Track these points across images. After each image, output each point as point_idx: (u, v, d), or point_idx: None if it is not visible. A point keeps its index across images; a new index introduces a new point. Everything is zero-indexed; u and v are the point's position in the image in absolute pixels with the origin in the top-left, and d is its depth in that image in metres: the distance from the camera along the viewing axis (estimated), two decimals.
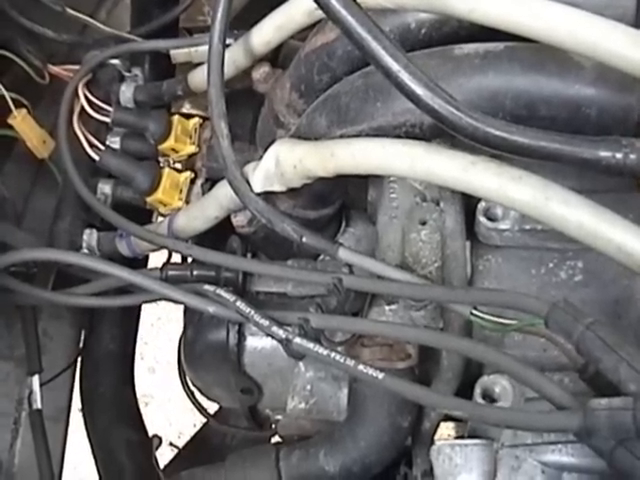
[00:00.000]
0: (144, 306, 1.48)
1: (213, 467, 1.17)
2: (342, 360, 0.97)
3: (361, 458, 1.09)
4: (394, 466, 1.24)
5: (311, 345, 0.99)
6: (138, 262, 1.31)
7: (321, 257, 1.18)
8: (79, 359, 1.46)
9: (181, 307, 1.27)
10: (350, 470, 1.09)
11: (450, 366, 1.09)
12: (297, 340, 0.99)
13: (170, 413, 1.66)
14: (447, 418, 1.15)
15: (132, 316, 1.46)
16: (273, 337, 1.02)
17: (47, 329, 1.45)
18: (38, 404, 1.30)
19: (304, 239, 1.04)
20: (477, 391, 1.05)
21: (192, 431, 1.65)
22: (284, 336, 1.00)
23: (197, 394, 1.41)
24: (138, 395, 1.48)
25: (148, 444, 1.36)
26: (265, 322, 1.03)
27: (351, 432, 1.09)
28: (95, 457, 1.36)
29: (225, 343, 1.23)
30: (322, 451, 1.10)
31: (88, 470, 1.39)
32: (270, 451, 1.13)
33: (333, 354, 0.98)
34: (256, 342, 1.23)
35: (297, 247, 1.14)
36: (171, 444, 2.06)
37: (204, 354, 1.25)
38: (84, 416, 1.40)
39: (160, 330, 2.27)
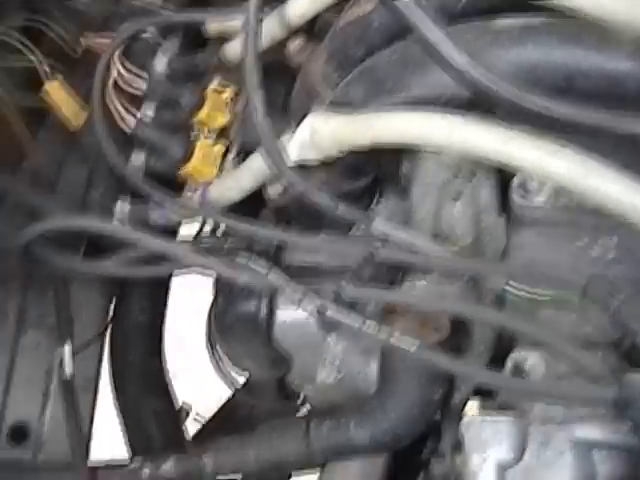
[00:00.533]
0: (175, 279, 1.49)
1: (242, 437, 1.17)
2: (375, 332, 0.97)
3: (391, 430, 1.08)
4: (422, 441, 1.24)
5: (344, 315, 0.99)
6: (168, 235, 1.31)
7: (353, 231, 1.17)
8: (108, 329, 1.46)
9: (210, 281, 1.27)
10: (380, 441, 1.09)
11: (482, 340, 1.09)
12: (330, 311, 0.99)
13: (196, 387, 1.65)
14: (477, 393, 1.15)
15: (161, 288, 1.46)
16: (306, 308, 1.02)
17: (77, 298, 1.46)
18: (69, 373, 1.31)
19: (339, 210, 1.04)
20: (509, 365, 1.05)
21: (218, 405, 1.65)
22: (317, 307, 1.00)
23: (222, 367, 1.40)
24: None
25: (176, 415, 1.37)
26: (298, 293, 1.03)
27: (381, 404, 1.09)
28: (124, 427, 1.36)
29: (256, 315, 1.22)
30: (352, 422, 1.09)
31: (116, 440, 1.40)
32: (300, 422, 1.13)
33: (366, 325, 0.97)
34: (287, 314, 1.23)
35: (330, 220, 1.14)
36: (196, 418, 2.06)
37: (234, 325, 1.25)
38: (113, 386, 1.40)
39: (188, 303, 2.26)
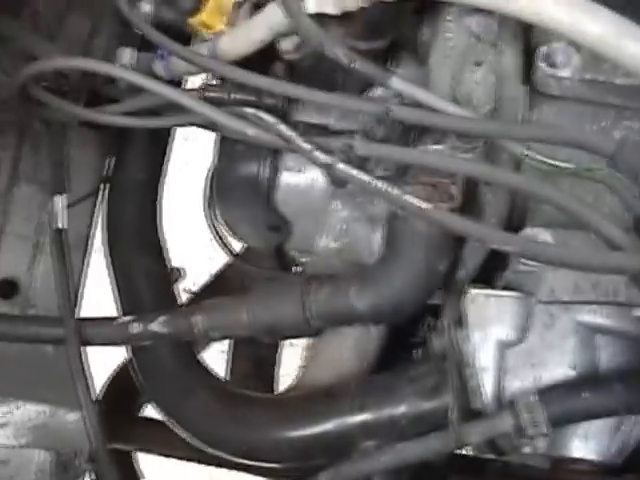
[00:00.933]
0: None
1: (237, 298, 1.13)
2: (387, 188, 0.92)
3: (393, 298, 1.04)
4: (417, 323, 1.20)
5: (355, 171, 0.94)
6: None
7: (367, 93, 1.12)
8: (106, 188, 1.41)
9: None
10: (381, 310, 1.05)
11: (495, 212, 1.05)
12: (340, 165, 0.94)
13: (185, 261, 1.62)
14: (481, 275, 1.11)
15: (160, 145, 1.41)
16: (315, 162, 0.97)
17: (73, 156, 1.40)
18: (61, 224, 1.26)
19: (356, 64, 0.98)
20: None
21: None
22: (327, 161, 0.95)
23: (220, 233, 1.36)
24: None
25: (168, 276, 1.32)
26: (307, 146, 0.98)
27: (385, 271, 1.04)
28: (115, 287, 1.32)
29: (258, 176, 1.18)
30: (353, 288, 1.05)
31: (105, 299, 1.36)
32: (297, 285, 1.08)
33: (377, 181, 0.93)
34: (290, 177, 1.18)
35: (343, 81, 1.09)
36: (185, 290, 2.03)
37: (235, 186, 1.20)
38: (107, 245, 1.36)
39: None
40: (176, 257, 1.41)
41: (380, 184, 0.92)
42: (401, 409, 1.08)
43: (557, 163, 0.91)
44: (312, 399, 1.13)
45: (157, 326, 1.14)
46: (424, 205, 0.89)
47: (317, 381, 1.18)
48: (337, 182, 0.97)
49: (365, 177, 0.93)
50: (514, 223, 1.09)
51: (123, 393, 1.47)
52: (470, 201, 1.05)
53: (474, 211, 1.05)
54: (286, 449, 1.12)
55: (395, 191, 0.91)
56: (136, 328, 1.15)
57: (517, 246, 0.84)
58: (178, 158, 1.69)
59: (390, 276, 1.04)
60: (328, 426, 1.10)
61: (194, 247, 2.23)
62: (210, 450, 1.16)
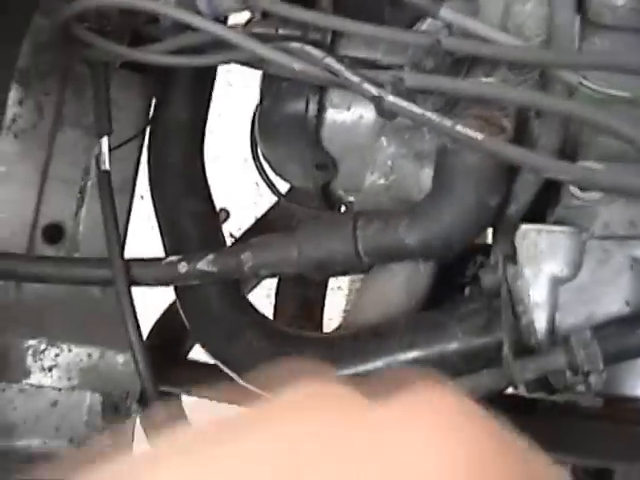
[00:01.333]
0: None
1: (285, 235, 1.11)
2: (438, 119, 0.89)
3: (443, 234, 1.02)
4: (464, 262, 1.18)
5: (405, 103, 0.92)
6: None
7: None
8: (148, 130, 1.40)
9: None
10: (430, 245, 1.03)
11: (546, 144, 1.01)
12: (390, 98, 0.92)
13: (230, 207, 1.61)
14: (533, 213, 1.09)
15: (204, 85, 1.38)
16: (364, 95, 0.95)
17: (116, 99, 1.39)
18: (106, 165, 1.25)
19: None
20: None
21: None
22: (377, 93, 0.93)
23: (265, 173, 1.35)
24: None
25: (215, 217, 1.31)
26: (356, 79, 0.95)
27: (435, 206, 1.02)
28: (160, 230, 1.31)
29: (304, 113, 1.16)
30: (403, 223, 1.03)
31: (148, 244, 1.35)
32: (347, 220, 1.06)
33: (428, 113, 0.90)
34: (337, 115, 1.17)
35: (390, 14, 1.06)
36: (231, 235, 2.02)
37: (281, 125, 1.19)
38: (151, 187, 1.34)
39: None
40: (220, 202, 1.40)
41: (431, 115, 0.90)
42: (452, 346, 1.06)
43: (613, 91, 0.88)
44: (361, 337, 1.12)
45: (205, 264, 1.13)
46: (478, 135, 0.86)
47: (366, 319, 1.16)
48: (386, 115, 0.95)
49: (416, 109, 0.91)
50: (566, 157, 1.06)
51: (170, 336, 1.47)
52: (522, 134, 1.02)
53: (526, 144, 1.02)
54: None
55: (447, 122, 0.89)
56: (184, 267, 1.14)
57: (573, 174, 0.81)
58: (222, 103, 1.68)
59: (439, 211, 1.02)
60: (378, 364, 1.08)
61: (238, 192, 2.22)
62: (259, 391, 1.15)
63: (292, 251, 1.08)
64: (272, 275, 1.16)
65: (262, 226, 1.51)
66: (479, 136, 0.85)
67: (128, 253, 1.27)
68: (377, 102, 0.93)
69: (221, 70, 1.38)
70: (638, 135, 0.82)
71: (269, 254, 1.09)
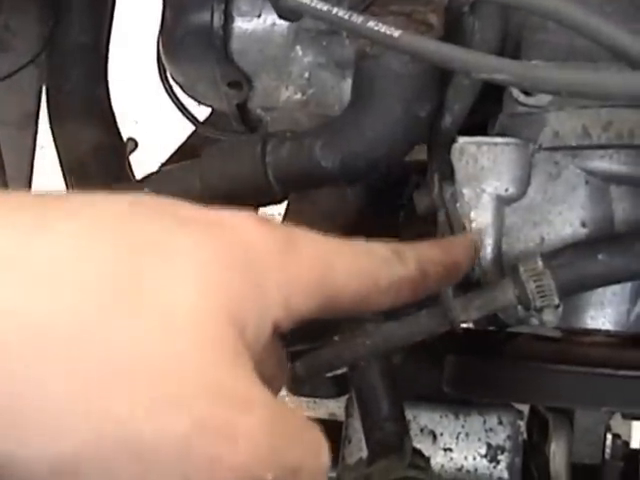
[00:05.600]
0: None
1: (187, 165, 0.92)
2: (347, 16, 0.69)
3: (366, 152, 0.83)
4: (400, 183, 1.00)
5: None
6: None
7: None
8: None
9: None
10: (352, 166, 0.84)
11: (483, 43, 0.83)
12: None
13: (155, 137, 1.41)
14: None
15: (105, 4, 1.18)
16: None
17: (9, 24, 1.19)
18: None
19: None
20: None
21: None
22: None
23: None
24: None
25: (121, 148, 1.11)
26: None
27: (355, 120, 0.83)
28: (60, 164, 1.11)
29: (209, 25, 0.97)
30: (319, 143, 0.84)
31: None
32: (255, 142, 0.87)
33: (335, 9, 0.70)
34: (246, 24, 0.98)
35: None
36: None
37: (185, 40, 1.01)
38: (49, 117, 1.14)
39: None
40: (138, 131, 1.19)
41: (338, 11, 0.70)
42: None
43: None
44: None
45: None
46: (394, 32, 0.66)
47: None
48: (286, 15, 0.75)
49: (320, 4, 0.71)
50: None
51: None
52: (453, 32, 0.82)
53: (458, 43, 0.82)
54: None
55: (357, 19, 0.69)
56: None
57: (514, 73, 0.61)
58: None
59: (361, 126, 0.82)
60: None
61: (159, 121, 1.99)
62: None
63: (194, 182, 0.89)
64: None
65: (180, 155, 1.31)
66: (395, 33, 0.65)
67: None
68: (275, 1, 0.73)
69: None
70: (592, 22, 0.62)
71: (169, 188, 0.90)
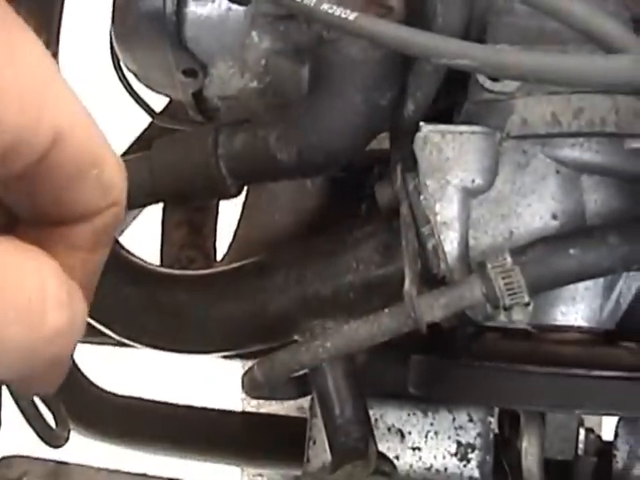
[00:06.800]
0: None
1: (139, 157, 0.86)
2: None
3: (325, 144, 0.78)
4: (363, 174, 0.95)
5: None
6: None
7: None
8: None
9: None
10: (310, 159, 0.78)
11: (446, 26, 0.77)
12: None
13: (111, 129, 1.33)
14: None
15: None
16: None
17: None
18: None
19: None
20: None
21: None
22: None
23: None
24: None
25: None
26: None
27: (313, 110, 0.78)
28: None
29: (162, 10, 0.91)
30: (274, 134, 0.78)
31: None
32: (207, 133, 0.81)
33: None
34: (200, 8, 0.92)
35: None
36: None
37: (137, 26, 0.95)
38: None
39: None
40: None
41: None
42: (346, 279, 0.83)
43: None
44: (242, 275, 0.88)
45: None
46: (349, 15, 0.61)
47: (249, 251, 0.92)
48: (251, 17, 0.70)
49: None
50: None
51: None
52: (414, 15, 0.77)
53: (420, 28, 0.77)
54: (214, 334, 0.88)
55: (312, 1, 0.63)
56: None
57: (479, 58, 0.56)
58: None
59: (317, 115, 0.77)
60: (261, 304, 0.85)
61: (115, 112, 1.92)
62: (125, 340, 0.91)
63: (145, 177, 0.83)
64: (129, 207, 0.91)
65: (139, 149, 1.25)
66: (351, 16, 0.60)
67: None
68: None
69: None
70: (565, 4, 0.57)
71: None
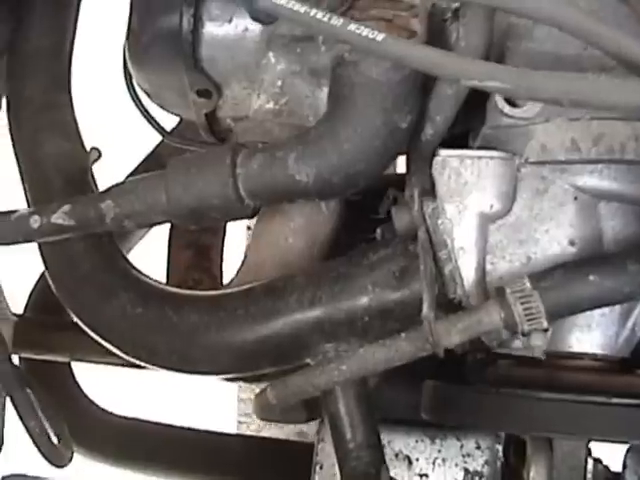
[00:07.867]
0: None
1: (152, 178, 0.85)
2: (326, 19, 0.63)
3: (343, 165, 0.77)
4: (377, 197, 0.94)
5: (282, 0, 0.65)
6: None
7: None
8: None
9: None
10: (328, 180, 0.77)
11: (467, 50, 0.76)
12: None
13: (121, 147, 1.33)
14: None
15: (68, 6, 1.11)
16: None
17: None
18: None
19: None
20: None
21: None
22: None
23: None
24: None
25: (83, 157, 1.03)
26: None
27: (332, 131, 0.77)
28: (20, 174, 1.04)
29: (178, 29, 0.90)
30: (293, 155, 0.77)
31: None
32: (224, 155, 0.80)
33: (313, 10, 0.64)
34: (217, 29, 0.91)
35: None
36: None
37: (152, 45, 0.94)
38: (9, 125, 1.06)
39: None
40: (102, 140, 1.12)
41: (316, 13, 0.63)
42: (361, 302, 0.82)
43: None
44: (253, 296, 0.87)
45: (61, 217, 0.87)
46: (377, 36, 0.60)
47: (261, 273, 0.91)
48: (261, 17, 0.69)
49: (296, 6, 0.64)
50: None
51: (52, 301, 1.20)
52: (437, 38, 0.76)
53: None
54: (225, 357, 0.87)
55: (336, 21, 0.62)
56: (36, 222, 0.88)
57: (507, 79, 0.55)
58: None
59: (337, 137, 0.76)
60: (273, 327, 0.84)
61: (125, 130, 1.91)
62: (134, 361, 0.90)
63: (160, 196, 0.82)
64: (141, 226, 0.90)
65: (148, 168, 1.24)
66: (379, 37, 0.59)
67: None
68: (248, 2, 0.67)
69: None
70: (590, 26, 0.56)
71: (133, 202, 0.83)
